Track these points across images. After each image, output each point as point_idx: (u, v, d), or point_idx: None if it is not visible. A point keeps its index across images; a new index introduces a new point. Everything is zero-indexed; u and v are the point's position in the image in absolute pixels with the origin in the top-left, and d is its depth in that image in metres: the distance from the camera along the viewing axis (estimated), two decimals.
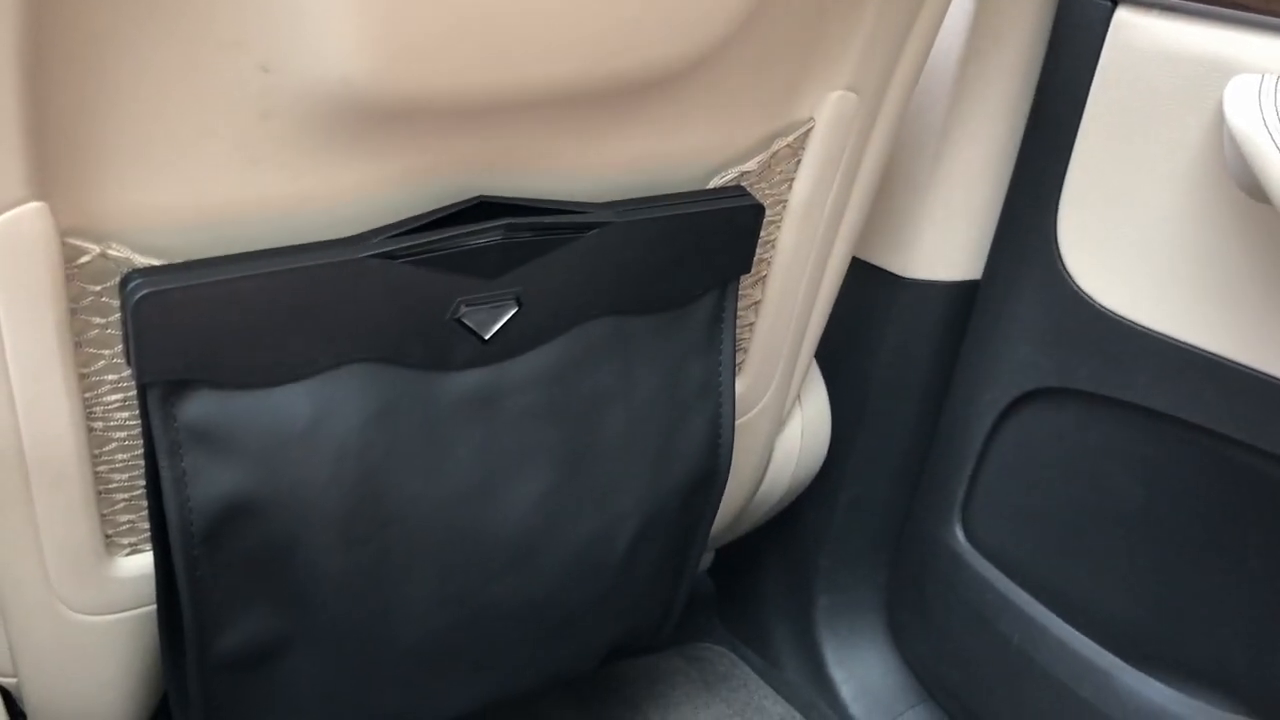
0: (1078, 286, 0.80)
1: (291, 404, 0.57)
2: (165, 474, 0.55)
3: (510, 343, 0.62)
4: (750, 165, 0.68)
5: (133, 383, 0.55)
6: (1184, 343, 0.75)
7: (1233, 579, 0.77)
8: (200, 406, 0.55)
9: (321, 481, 0.58)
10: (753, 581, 1.12)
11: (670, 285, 0.66)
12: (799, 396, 0.89)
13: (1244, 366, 0.72)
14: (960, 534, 0.92)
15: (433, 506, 0.63)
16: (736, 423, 0.75)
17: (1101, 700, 0.81)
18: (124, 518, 0.61)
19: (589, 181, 0.63)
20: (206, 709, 0.63)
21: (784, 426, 0.89)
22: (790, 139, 0.69)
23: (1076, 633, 0.83)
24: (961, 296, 0.89)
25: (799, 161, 0.71)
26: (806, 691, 1.08)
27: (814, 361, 0.90)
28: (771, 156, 0.69)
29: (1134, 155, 0.75)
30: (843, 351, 0.93)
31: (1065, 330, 0.81)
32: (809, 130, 0.69)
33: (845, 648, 1.07)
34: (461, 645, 0.69)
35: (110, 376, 0.55)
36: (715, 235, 0.66)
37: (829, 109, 0.69)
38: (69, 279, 0.50)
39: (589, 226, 0.60)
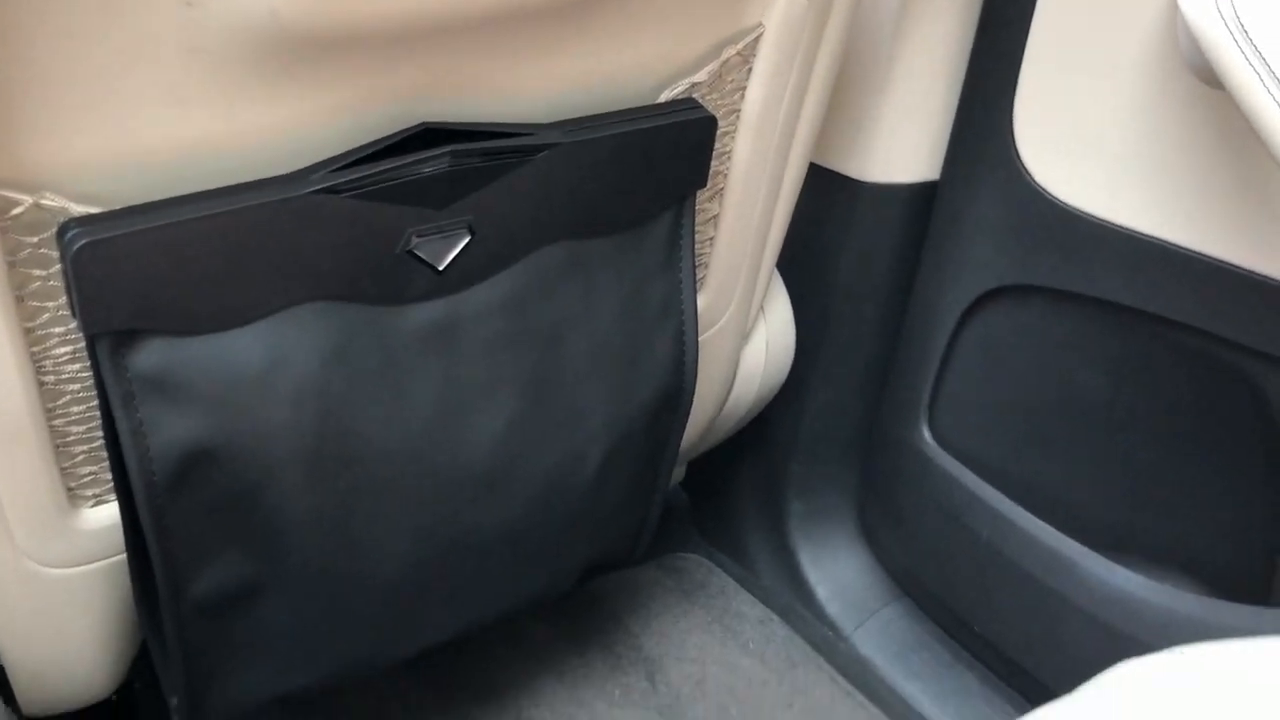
0: (1035, 183, 0.79)
1: (245, 348, 0.56)
2: (122, 426, 0.54)
3: (466, 272, 0.61)
4: (700, 76, 0.67)
5: (81, 335, 0.54)
6: (1142, 234, 0.75)
7: (1196, 465, 0.78)
8: (151, 355, 0.54)
9: (282, 424, 0.58)
10: (726, 492, 1.13)
11: (625, 205, 0.65)
12: (762, 308, 0.89)
13: (1203, 255, 0.73)
14: (927, 434, 0.93)
15: (398, 442, 0.63)
16: (700, 338, 0.74)
17: (1069, 588, 0.83)
18: (85, 470, 0.60)
19: (535, 102, 0.61)
20: (185, 656, 0.63)
21: (748, 339, 0.89)
22: (740, 46, 0.68)
23: (1044, 524, 0.85)
24: (920, 198, 0.88)
25: (750, 70, 0.70)
26: (783, 595, 1.10)
27: (775, 272, 0.89)
28: (722, 65, 0.67)
29: (1087, 47, 0.74)
30: (803, 260, 0.93)
31: (1024, 227, 0.81)
32: (759, 36, 0.68)
33: (819, 551, 1.09)
34: (436, 577, 0.70)
35: (57, 329, 0.54)
36: (668, 150, 0.65)
37: (778, 13, 0.67)
38: (3, 232, 0.49)
39: (537, 149, 0.59)
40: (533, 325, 0.65)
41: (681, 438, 0.78)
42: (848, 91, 0.85)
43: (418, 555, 0.67)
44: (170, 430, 0.55)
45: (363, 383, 0.60)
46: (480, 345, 0.63)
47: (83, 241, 0.48)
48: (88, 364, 0.55)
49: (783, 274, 0.92)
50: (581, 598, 1.09)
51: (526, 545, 0.72)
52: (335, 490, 0.62)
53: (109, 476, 0.61)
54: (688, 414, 0.76)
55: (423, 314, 0.61)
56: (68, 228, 0.49)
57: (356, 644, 0.70)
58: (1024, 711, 0.97)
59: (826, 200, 0.89)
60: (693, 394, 0.74)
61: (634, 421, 0.73)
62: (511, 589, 0.76)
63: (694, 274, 0.71)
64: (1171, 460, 0.80)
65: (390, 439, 0.63)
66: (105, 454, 0.59)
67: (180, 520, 0.58)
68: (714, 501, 1.16)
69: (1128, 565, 0.80)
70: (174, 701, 0.67)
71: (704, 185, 0.69)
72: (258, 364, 0.57)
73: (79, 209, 0.50)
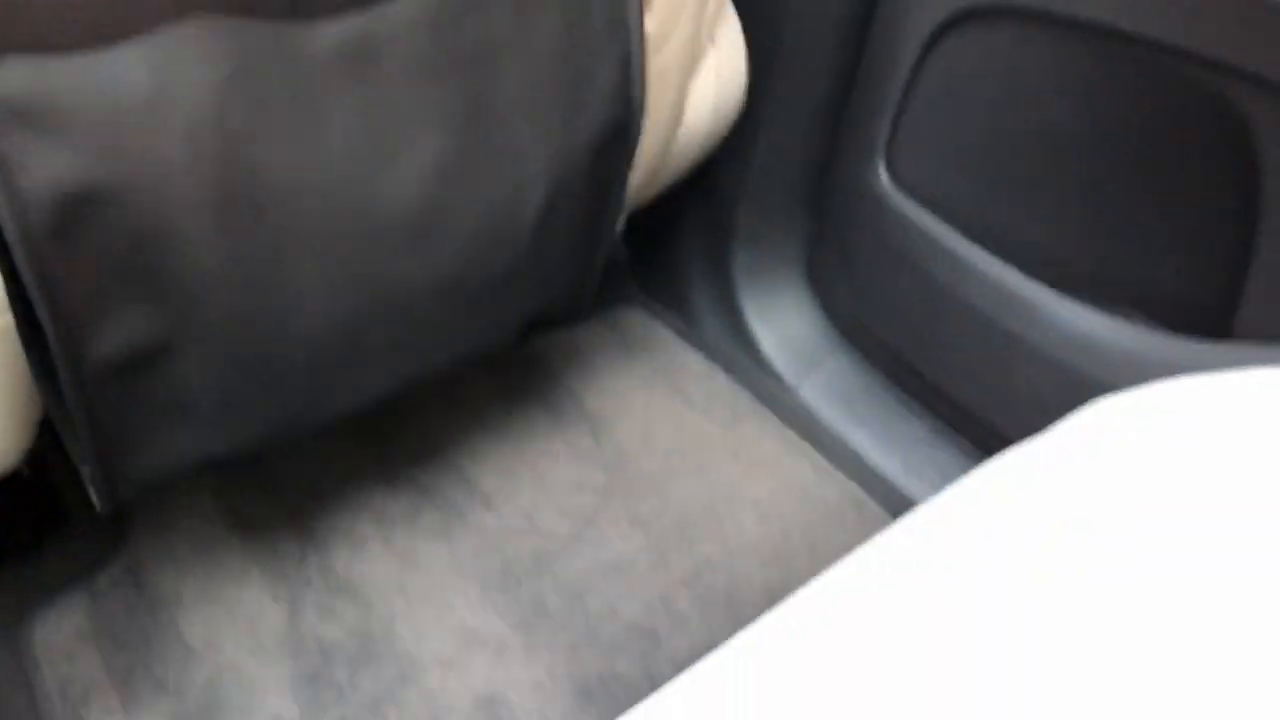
0: None
1: (126, 70, 0.48)
2: None
3: None
4: None
5: None
6: None
7: (1165, 199, 0.74)
8: (15, 78, 0.46)
9: (177, 159, 0.50)
10: (669, 243, 1.08)
11: None
12: (711, 34, 0.81)
13: None
14: (884, 175, 0.88)
15: (315, 182, 0.56)
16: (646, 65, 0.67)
17: (1029, 330, 0.80)
18: None
19: None
20: (91, 423, 0.58)
21: (697, 68, 0.81)
22: None
23: (1005, 265, 0.81)
24: None
25: None
26: (726, 346, 1.07)
27: None
28: None
29: None
30: None
31: None
32: None
33: (764, 301, 1.05)
34: (367, 332, 0.64)
35: None
36: None
37: None
38: None
39: None
40: (461, 47, 0.57)
41: (627, 178, 0.71)
42: None
43: (343, 310, 0.61)
44: (45, 167, 0.48)
45: (268, 115, 0.53)
46: (402, 70, 0.56)
47: None
48: None
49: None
50: (520, 356, 1.05)
51: (462, 299, 0.67)
52: (247, 238, 0.55)
53: None
54: (634, 150, 0.69)
55: (334, 32, 0.53)
56: None
57: (282, 405, 0.65)
58: (973, 460, 0.97)
59: None
60: (640, 127, 0.68)
61: (577, 159, 0.66)
62: (447, 345, 0.71)
63: None
64: (1139, 194, 0.76)
65: (305, 179, 0.55)
66: None
67: (69, 271, 0.51)
68: (655, 254, 1.11)
69: (1090, 304, 0.77)
70: (86, 471, 0.62)
71: None
72: (142, 89, 0.49)
73: None
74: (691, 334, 1.08)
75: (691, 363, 1.06)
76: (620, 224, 1.07)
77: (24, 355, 0.58)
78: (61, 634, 0.83)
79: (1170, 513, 0.44)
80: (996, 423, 0.88)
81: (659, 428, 0.99)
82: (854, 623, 0.41)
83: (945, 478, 0.97)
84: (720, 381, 1.04)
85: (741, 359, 1.05)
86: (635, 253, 1.14)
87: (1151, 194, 0.75)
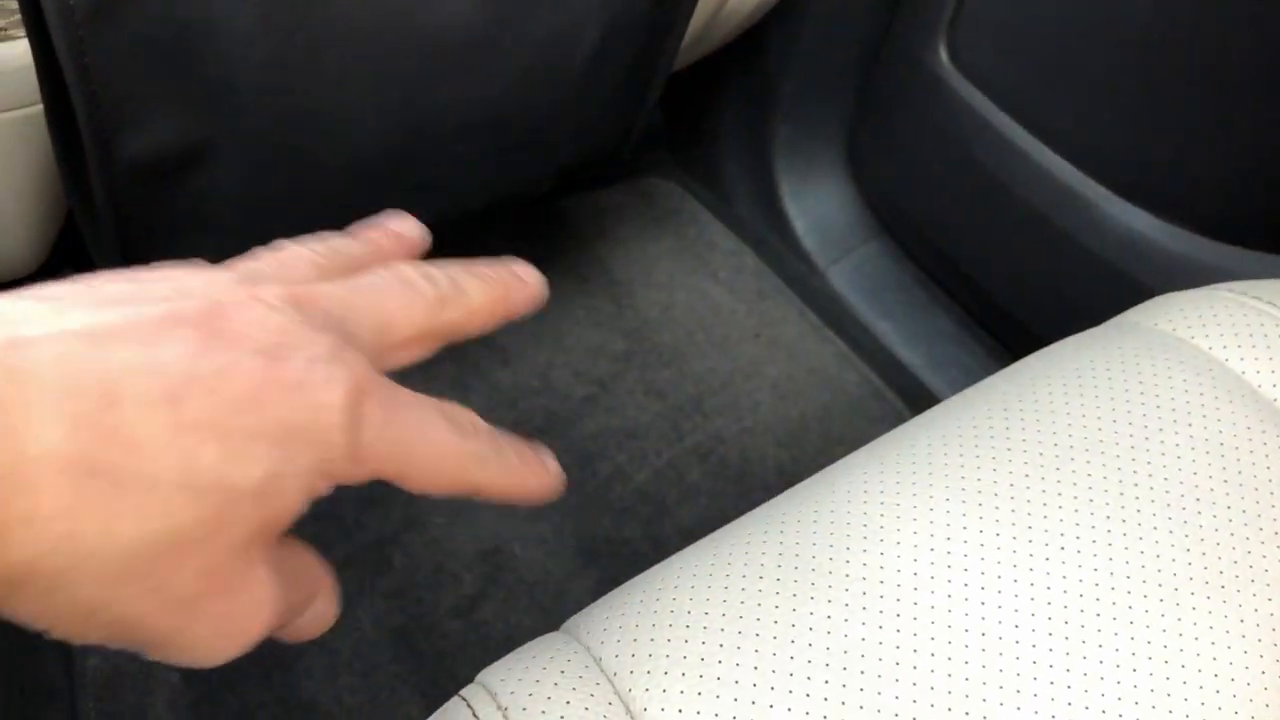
0: None
1: None
2: None
3: None
4: None
5: None
6: None
7: (1232, 110, 0.71)
8: None
9: None
10: (707, 111, 1.05)
11: None
12: None
13: None
14: (944, 54, 0.84)
15: None
16: None
17: (1080, 228, 0.78)
18: None
19: None
20: (117, 222, 0.56)
21: None
22: None
23: (1061, 160, 0.78)
24: None
25: None
26: (758, 226, 1.05)
27: None
28: None
29: None
30: None
31: None
32: None
33: (801, 181, 1.02)
34: (404, 160, 0.62)
35: None
36: None
37: None
38: None
39: None
40: None
41: (686, 27, 0.68)
42: None
43: (382, 131, 0.59)
44: None
45: None
46: None
47: None
48: None
49: None
50: (547, 218, 1.03)
51: (506, 132, 0.64)
52: (294, 44, 0.52)
53: (15, 4, 0.51)
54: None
55: None
56: None
57: (308, 226, 0.62)
58: (998, 358, 0.95)
59: None
60: None
61: (635, 1, 0.63)
62: (485, 182, 0.68)
63: None
64: (1207, 102, 0.72)
65: None
66: None
67: (107, 58, 0.48)
68: (692, 123, 1.08)
69: (1147, 208, 0.75)
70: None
71: None
72: None
73: None
74: (723, 209, 1.05)
75: (721, 238, 1.03)
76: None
77: (51, 149, 0.55)
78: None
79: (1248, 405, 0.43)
80: (1029, 321, 0.86)
81: (682, 300, 0.98)
82: (864, 509, 0.39)
83: (968, 374, 0.95)
84: (748, 259, 1.02)
85: (772, 238, 1.03)
86: (671, 121, 1.11)
87: (1221, 104, 0.72)
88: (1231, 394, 0.43)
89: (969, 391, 0.45)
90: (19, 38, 0.52)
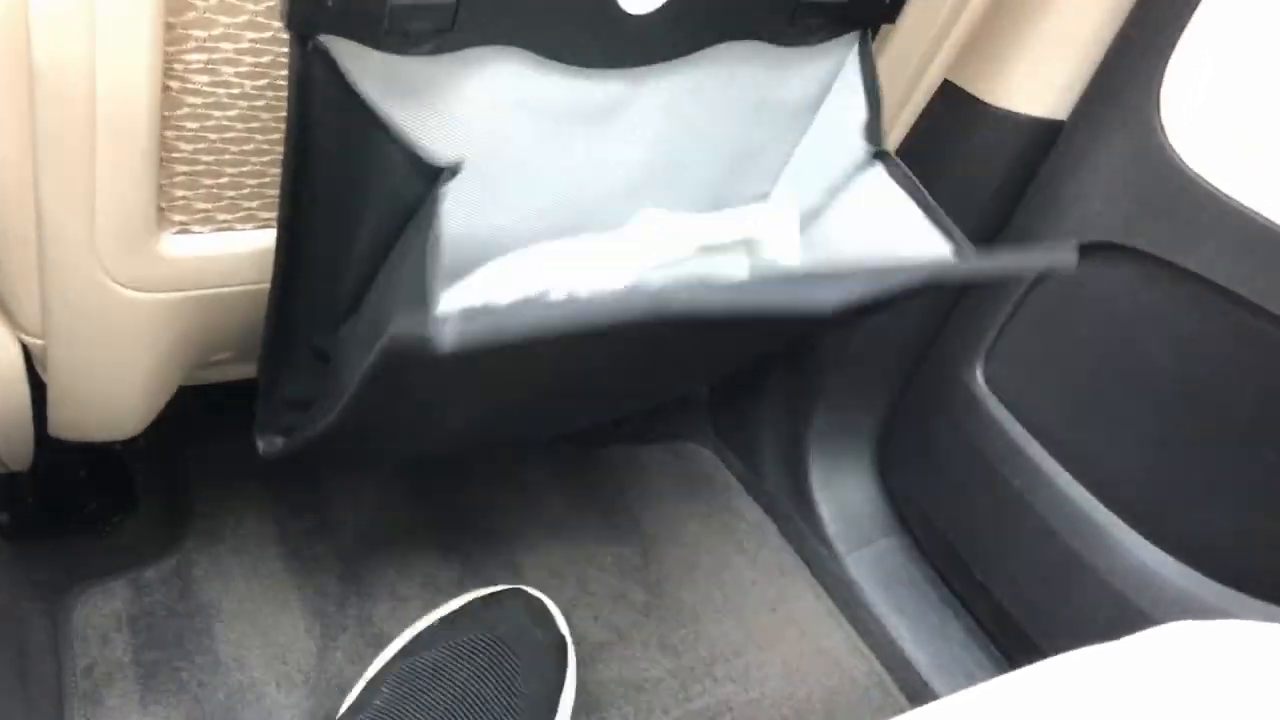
0: (1170, 144, 0.77)
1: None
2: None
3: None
4: None
5: (217, 46, 0.51)
6: (1267, 219, 0.74)
7: (1257, 465, 0.78)
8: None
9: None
10: (751, 392, 1.12)
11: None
12: None
13: None
14: (980, 376, 0.92)
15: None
16: None
17: (1094, 554, 0.83)
18: (180, 193, 0.57)
19: None
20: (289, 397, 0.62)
21: None
22: None
23: (1083, 489, 0.84)
24: (1042, 134, 0.86)
25: None
26: (785, 505, 1.10)
27: None
28: None
29: (1271, 15, 0.71)
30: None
31: (1144, 187, 0.79)
32: None
33: (831, 470, 1.08)
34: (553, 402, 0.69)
35: (198, 33, 0.50)
36: None
37: None
38: None
39: None
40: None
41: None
42: (996, 8, 0.82)
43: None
44: None
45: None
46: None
47: None
48: (215, 79, 0.52)
49: None
50: (588, 465, 1.08)
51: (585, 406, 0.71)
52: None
53: (201, 206, 0.58)
54: None
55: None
56: None
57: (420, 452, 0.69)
58: (1002, 668, 0.98)
59: (946, 115, 0.86)
60: None
61: None
62: (604, 414, 0.74)
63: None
64: (1232, 453, 0.79)
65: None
66: (203, 180, 0.57)
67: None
68: (735, 401, 1.15)
69: (1163, 547, 0.80)
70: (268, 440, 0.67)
71: (892, 21, 0.66)
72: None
73: None
74: (752, 483, 1.11)
75: (748, 510, 1.08)
76: None
77: (183, 326, 0.62)
78: (101, 616, 0.84)
79: None
80: (1037, 636, 0.89)
81: (706, 563, 1.01)
82: None
83: (971, 681, 0.97)
84: (772, 534, 1.06)
85: (797, 518, 1.07)
86: (716, 395, 1.18)
87: (1244, 455, 0.78)
88: None
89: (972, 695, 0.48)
90: (195, 232, 0.59)
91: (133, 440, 0.76)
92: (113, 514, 0.93)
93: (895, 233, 0.65)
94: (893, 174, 0.65)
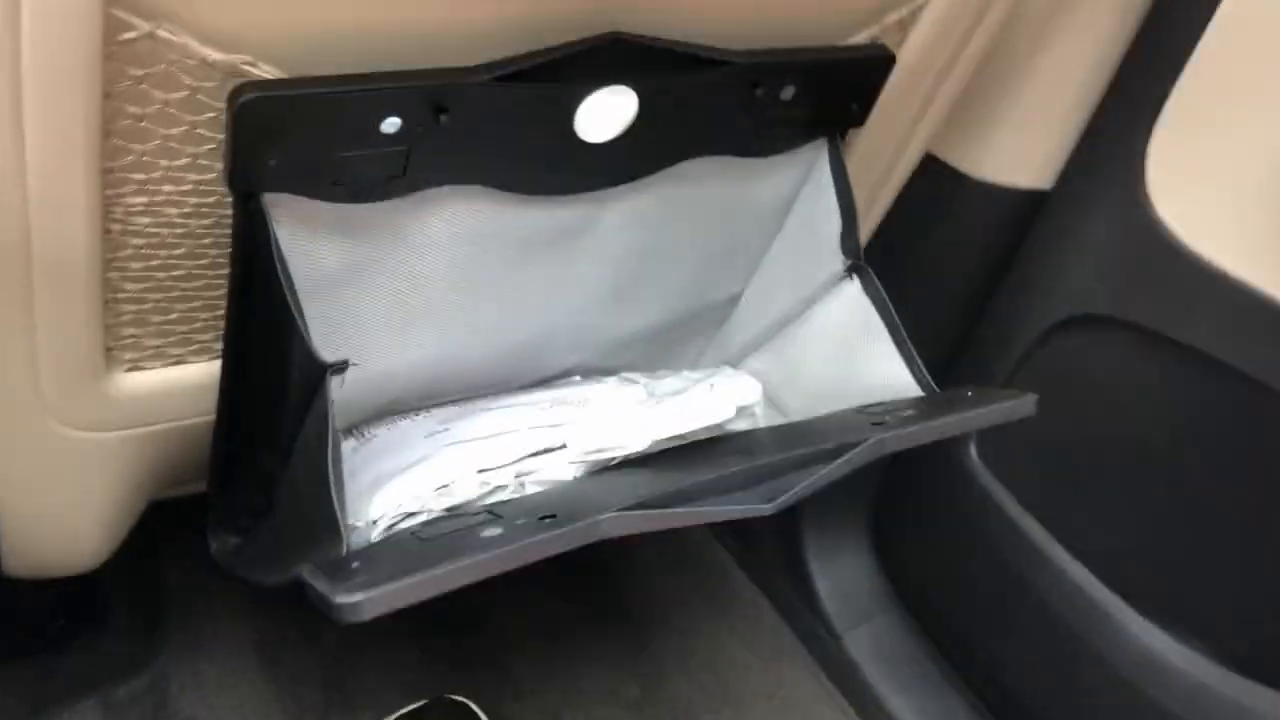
0: (1157, 215, 0.75)
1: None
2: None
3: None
4: (858, 38, 0.62)
5: (159, 188, 0.48)
6: (1258, 290, 0.71)
7: (1257, 542, 0.75)
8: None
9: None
10: None
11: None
12: None
13: None
14: (974, 453, 0.89)
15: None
16: None
17: (1096, 637, 0.80)
18: (128, 331, 0.54)
19: (727, 26, 0.56)
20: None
21: None
22: (902, 14, 0.63)
23: (1083, 569, 0.81)
24: (1025, 206, 0.83)
25: (904, 40, 0.64)
26: (780, 580, 1.07)
27: None
28: (881, 29, 0.62)
29: (1257, 83, 0.69)
30: (886, 244, 0.88)
31: (1132, 258, 0.77)
32: (923, 6, 0.63)
33: (827, 546, 1.05)
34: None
35: (137, 175, 0.48)
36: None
37: None
38: (107, 58, 0.43)
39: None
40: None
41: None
42: (977, 79, 0.80)
43: None
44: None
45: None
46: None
47: (252, 96, 0.43)
48: (158, 219, 0.50)
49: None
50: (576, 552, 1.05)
51: None
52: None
53: (150, 342, 0.56)
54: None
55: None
56: (241, 90, 0.44)
57: None
58: None
59: (927, 189, 0.84)
60: None
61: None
62: None
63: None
64: (1232, 530, 0.77)
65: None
66: (152, 318, 0.54)
67: None
68: None
69: (1165, 629, 0.77)
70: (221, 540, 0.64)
71: (861, 124, 0.64)
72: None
73: (203, 49, 0.44)
74: (746, 561, 1.08)
75: (742, 590, 1.05)
76: None
77: (137, 462, 0.60)
78: None
79: None
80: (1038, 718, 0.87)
81: (700, 650, 0.98)
82: None
83: None
84: (766, 614, 1.03)
85: (792, 596, 1.04)
86: None
87: (1245, 536, 0.76)
88: None
89: None
90: (146, 369, 0.57)
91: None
92: (82, 630, 0.90)
93: (863, 361, 0.64)
94: (867, 290, 0.63)
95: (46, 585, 0.92)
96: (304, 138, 0.46)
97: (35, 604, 0.91)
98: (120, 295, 0.52)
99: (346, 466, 0.49)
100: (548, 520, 0.45)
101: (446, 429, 0.61)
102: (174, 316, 0.55)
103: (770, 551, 1.08)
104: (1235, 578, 0.77)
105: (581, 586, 1.02)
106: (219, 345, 0.57)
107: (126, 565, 0.95)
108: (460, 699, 0.81)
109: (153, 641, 0.90)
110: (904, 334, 0.62)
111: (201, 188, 0.49)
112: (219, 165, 0.48)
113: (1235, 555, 0.77)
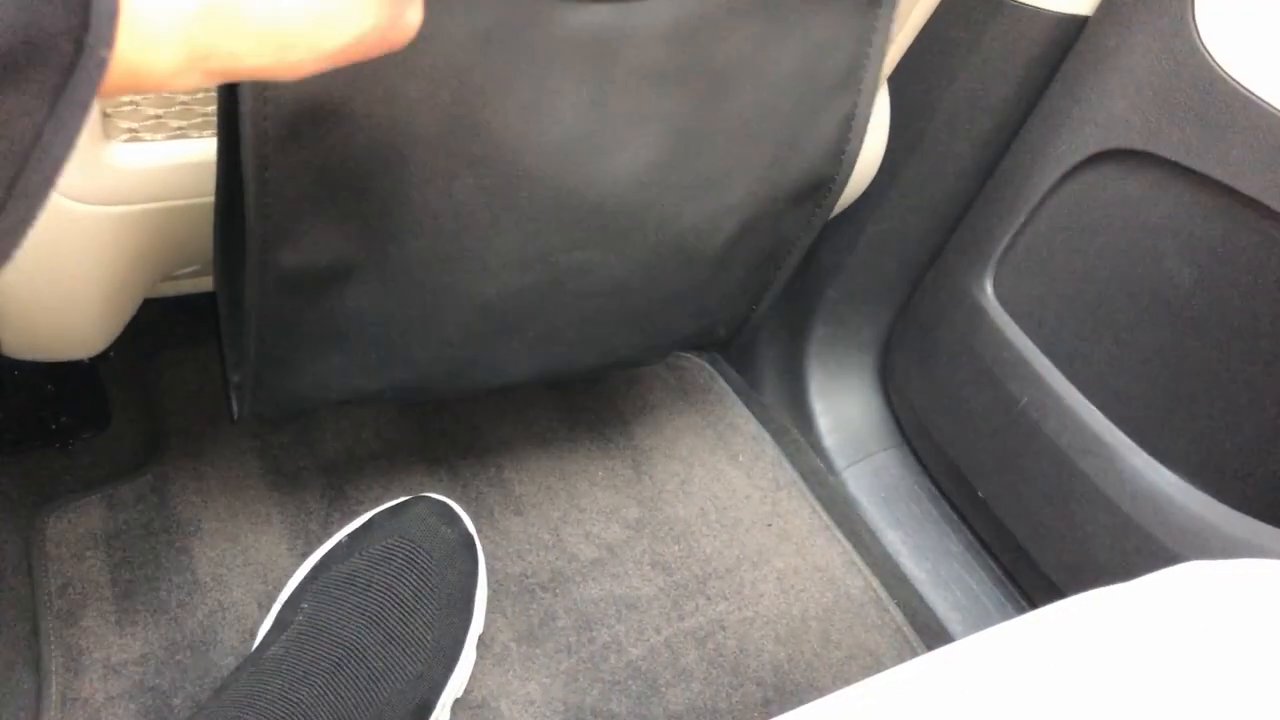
0: (1202, 44, 0.72)
1: None
2: None
3: None
4: None
5: None
6: None
7: (1263, 386, 0.74)
8: None
9: (414, 96, 0.50)
10: None
11: None
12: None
13: None
14: (989, 287, 0.88)
15: (533, 154, 0.55)
16: None
17: (1102, 475, 0.80)
18: (127, 95, 0.52)
19: None
20: (260, 330, 0.58)
21: None
22: None
23: (1092, 407, 0.81)
24: (1064, 31, 0.80)
25: None
26: (782, 417, 1.07)
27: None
28: None
29: None
30: (913, 71, 0.85)
31: (1172, 89, 0.74)
32: None
33: (830, 381, 1.05)
34: (534, 312, 0.64)
35: None
36: None
37: None
38: None
39: None
40: (698, 64, 0.57)
41: (816, 233, 0.71)
42: None
43: (523, 282, 0.61)
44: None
45: (507, 75, 0.52)
46: (638, 74, 0.55)
47: None
48: None
49: (890, 85, 0.84)
50: (582, 379, 1.05)
51: (633, 303, 0.67)
52: (453, 190, 0.55)
53: (151, 110, 0.53)
54: (832, 207, 0.69)
55: (584, 16, 0.52)
56: None
57: (431, 360, 0.65)
58: (1002, 587, 0.96)
59: (959, 9, 0.81)
60: (844, 186, 0.67)
61: (777, 201, 0.66)
62: (599, 348, 0.71)
63: (885, 49, 0.62)
64: (1245, 371, 0.76)
65: (525, 149, 0.55)
66: None
67: (286, 175, 0.51)
68: None
69: (1172, 467, 0.77)
70: (235, 379, 0.63)
71: None
72: None
73: None
74: (749, 395, 1.08)
75: (744, 423, 1.05)
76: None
77: (137, 241, 0.58)
78: (75, 532, 0.82)
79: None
80: (1038, 557, 0.87)
81: (700, 477, 0.99)
82: None
83: (970, 597, 0.96)
84: (768, 448, 1.03)
85: (794, 431, 1.04)
86: None
87: (1259, 377, 0.75)
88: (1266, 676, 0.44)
89: (987, 639, 0.46)
90: (146, 140, 0.54)
91: (103, 354, 0.73)
92: (84, 429, 0.90)
93: None
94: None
95: (47, 377, 0.92)
96: None
97: (39, 401, 0.91)
98: None
99: None
100: None
101: None
102: None
103: (775, 387, 1.07)
104: (1250, 419, 0.76)
105: (584, 409, 1.02)
106: None
107: (126, 371, 0.95)
108: (439, 497, 0.81)
109: (153, 444, 0.90)
110: None
111: None
112: None
113: (1250, 397, 0.76)
